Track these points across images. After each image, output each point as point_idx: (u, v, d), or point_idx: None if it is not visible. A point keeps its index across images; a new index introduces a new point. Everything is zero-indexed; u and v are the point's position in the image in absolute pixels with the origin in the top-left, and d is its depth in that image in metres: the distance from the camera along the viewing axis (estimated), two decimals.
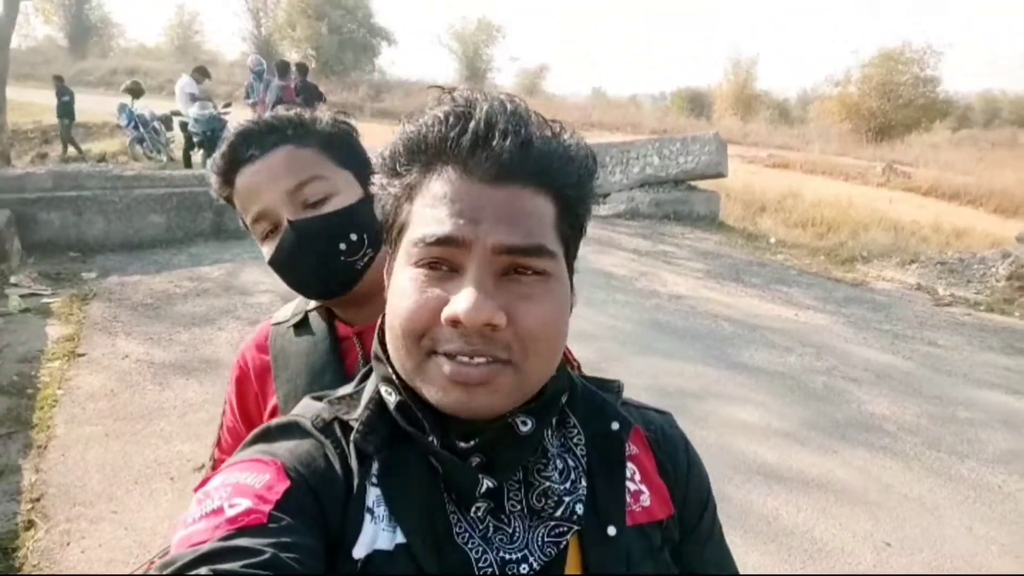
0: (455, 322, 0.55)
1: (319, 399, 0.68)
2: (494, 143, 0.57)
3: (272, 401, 1.03)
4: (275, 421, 0.65)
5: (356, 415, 0.63)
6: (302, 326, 1.05)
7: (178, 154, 11.01)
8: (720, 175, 9.94)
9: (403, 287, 0.59)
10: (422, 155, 0.60)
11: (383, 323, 0.65)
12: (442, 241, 0.57)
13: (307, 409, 0.67)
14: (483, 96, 0.60)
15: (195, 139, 10.21)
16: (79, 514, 2.82)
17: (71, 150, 12.57)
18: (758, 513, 3.04)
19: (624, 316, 5.61)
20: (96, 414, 3.61)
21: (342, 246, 0.95)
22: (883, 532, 2.95)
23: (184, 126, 10.41)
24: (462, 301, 0.55)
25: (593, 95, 44.39)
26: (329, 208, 0.95)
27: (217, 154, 0.98)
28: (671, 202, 9.78)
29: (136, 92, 11.45)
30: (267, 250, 0.98)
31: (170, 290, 5.60)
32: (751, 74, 34.11)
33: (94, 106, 16.20)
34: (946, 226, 11.46)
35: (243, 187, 0.96)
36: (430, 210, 0.58)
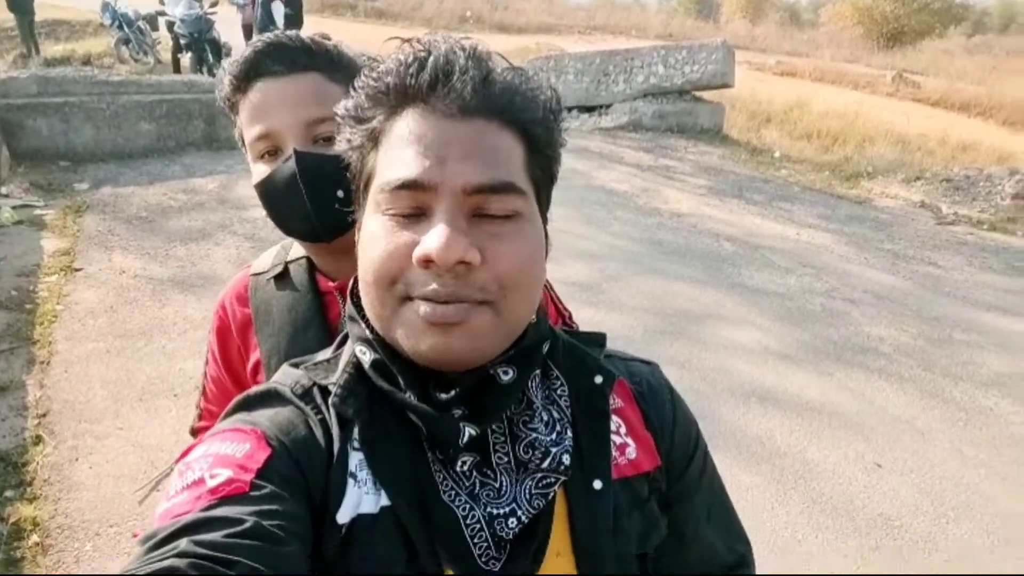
0: (427, 261, 0.54)
1: (297, 366, 0.67)
2: (454, 79, 0.56)
3: (255, 355, 1.00)
4: (254, 389, 0.65)
5: (334, 379, 0.62)
6: (283, 278, 1.01)
7: (166, 56, 10.61)
8: (727, 86, 9.64)
9: (374, 234, 0.58)
10: (384, 100, 0.59)
11: (356, 282, 0.63)
12: (409, 185, 0.55)
13: (286, 376, 0.66)
14: (443, 40, 0.59)
15: (182, 41, 9.81)
16: (85, 430, 2.87)
17: (40, 51, 11.81)
18: (752, 435, 3.10)
19: (625, 235, 5.57)
20: (96, 330, 3.62)
21: (340, 193, 0.90)
22: (874, 454, 3.03)
23: (171, 26, 9.98)
24: (433, 238, 0.53)
25: None
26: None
27: (239, 57, 0.92)
28: (675, 114, 9.52)
29: None
30: (260, 170, 0.93)
31: (164, 203, 5.51)
32: None
33: (77, 3, 15.50)
34: (953, 139, 11.24)
35: (258, 100, 0.90)
36: (396, 152, 0.57)
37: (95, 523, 2.39)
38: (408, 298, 0.56)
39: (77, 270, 4.27)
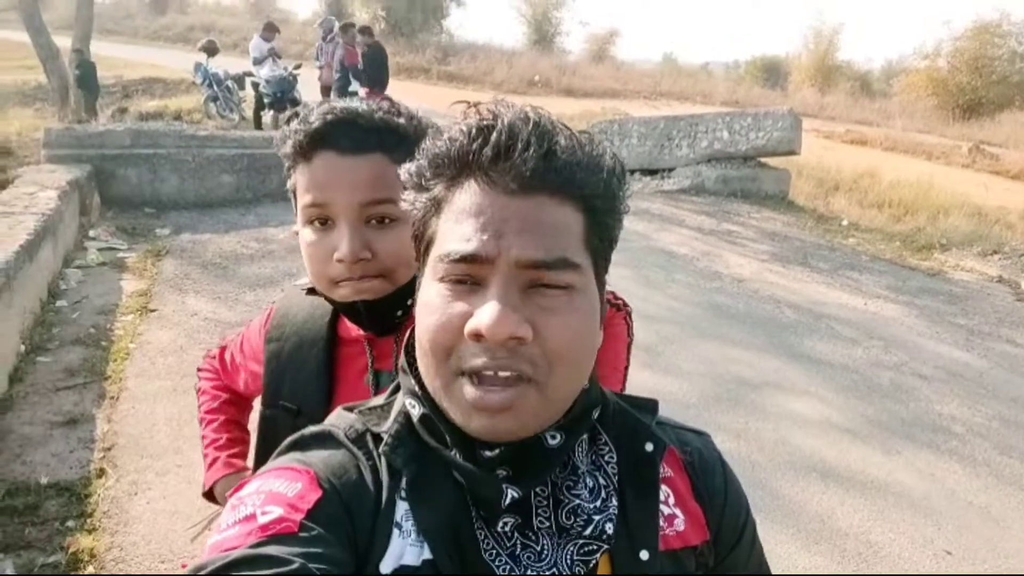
0: (478, 336, 0.55)
1: (351, 410, 0.68)
2: (515, 154, 0.57)
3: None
4: (309, 430, 0.66)
5: (386, 427, 0.64)
6: (315, 292, 1.05)
7: (249, 113, 11.25)
8: (792, 153, 9.55)
9: (430, 302, 0.59)
10: (447, 169, 0.60)
11: (411, 336, 0.65)
12: (467, 259, 0.57)
13: (340, 419, 0.67)
14: (508, 108, 0.60)
15: (265, 100, 10.41)
16: (147, 465, 2.96)
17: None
18: (811, 512, 2.97)
19: (684, 297, 5.51)
20: (165, 369, 3.77)
21: (399, 312, 0.96)
22: (944, 540, 2.85)
23: (256, 86, 10.62)
24: (485, 315, 0.55)
25: (664, 62, 43.04)
26: (391, 233, 0.91)
27: (307, 122, 0.91)
28: (739, 179, 9.47)
29: (211, 51, 11.70)
30: (306, 235, 0.94)
31: (238, 250, 5.76)
32: (833, 44, 32.46)
33: (173, 63, 16.67)
34: None
35: (318, 171, 0.90)
36: (455, 225, 0.59)
37: (147, 558, 2.45)
38: (461, 372, 0.57)
39: (152, 311, 4.49)
